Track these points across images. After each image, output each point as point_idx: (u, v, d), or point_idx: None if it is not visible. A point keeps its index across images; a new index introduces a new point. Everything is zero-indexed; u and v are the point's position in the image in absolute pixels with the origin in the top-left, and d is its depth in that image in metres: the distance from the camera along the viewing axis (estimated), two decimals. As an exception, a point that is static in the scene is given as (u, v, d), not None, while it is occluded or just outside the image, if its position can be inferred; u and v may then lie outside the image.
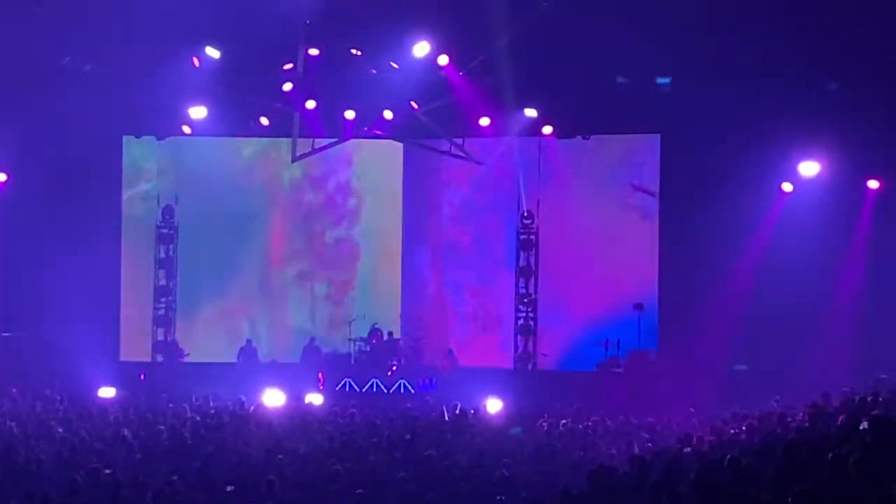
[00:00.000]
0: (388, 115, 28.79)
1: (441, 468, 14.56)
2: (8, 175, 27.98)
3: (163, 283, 29.76)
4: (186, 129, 29.11)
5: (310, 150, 29.80)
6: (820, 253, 24.68)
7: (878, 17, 22.80)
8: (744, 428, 16.83)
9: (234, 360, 28.53)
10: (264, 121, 28.96)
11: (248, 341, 28.79)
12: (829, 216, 25.21)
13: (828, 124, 24.60)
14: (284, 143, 29.65)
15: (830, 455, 11.44)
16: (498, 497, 12.94)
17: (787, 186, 26.44)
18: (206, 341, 29.30)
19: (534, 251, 29.12)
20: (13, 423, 18.37)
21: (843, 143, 24.73)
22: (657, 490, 11.65)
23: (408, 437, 17.15)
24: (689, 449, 15.01)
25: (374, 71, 26.81)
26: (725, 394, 22.78)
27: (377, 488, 13.37)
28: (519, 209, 29.18)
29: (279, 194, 30.47)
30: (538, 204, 28.94)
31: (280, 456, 15.34)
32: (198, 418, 19.18)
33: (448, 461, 14.97)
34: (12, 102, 25.58)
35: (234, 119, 28.60)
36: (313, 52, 26.87)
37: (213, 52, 26.81)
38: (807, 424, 16.53)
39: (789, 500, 9.75)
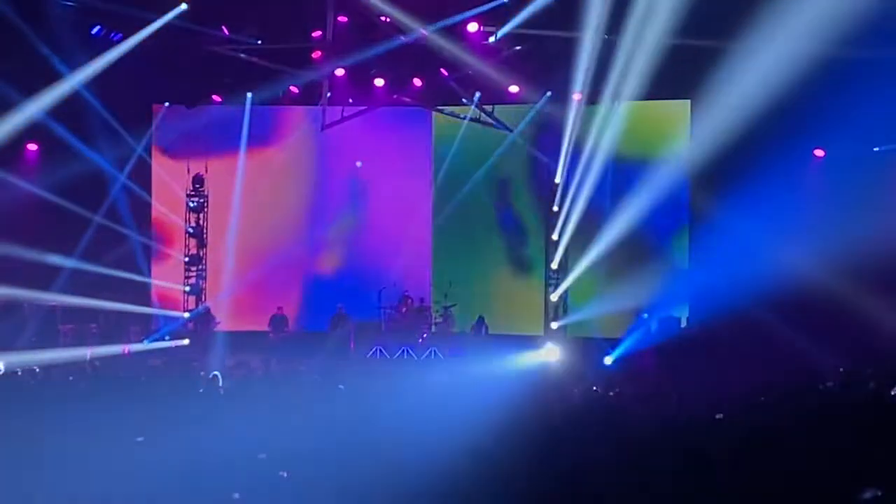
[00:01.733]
0: (417, 82, 28.79)
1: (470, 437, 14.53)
2: (38, 145, 28.15)
3: (193, 251, 29.94)
4: (216, 98, 29.22)
5: (339, 118, 29.85)
6: (852, 221, 24.38)
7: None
8: (774, 393, 16.76)
9: (265, 328, 28.69)
10: (293, 89, 29.02)
11: (280, 308, 28.91)
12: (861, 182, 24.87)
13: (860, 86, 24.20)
14: (313, 110, 29.68)
15: (867, 421, 11.40)
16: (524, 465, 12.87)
17: (819, 152, 26.25)
18: (237, 310, 29.47)
19: (563, 219, 29.06)
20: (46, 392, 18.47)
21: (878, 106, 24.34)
22: (688, 456, 11.62)
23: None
24: (720, 416, 14.94)
25: (403, 38, 26.73)
26: (756, 361, 22.64)
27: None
28: (550, 178, 29.13)
29: (308, 162, 30.50)
30: (567, 173, 28.92)
31: (313, 423, 15.34)
32: (231, 386, 19.25)
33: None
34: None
35: (264, 87, 28.62)
36: (342, 19, 26.83)
37: (242, 21, 26.86)
38: (838, 390, 16.47)
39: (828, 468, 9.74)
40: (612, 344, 26.11)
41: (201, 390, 18.28)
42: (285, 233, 29.88)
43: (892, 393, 15.05)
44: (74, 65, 25.80)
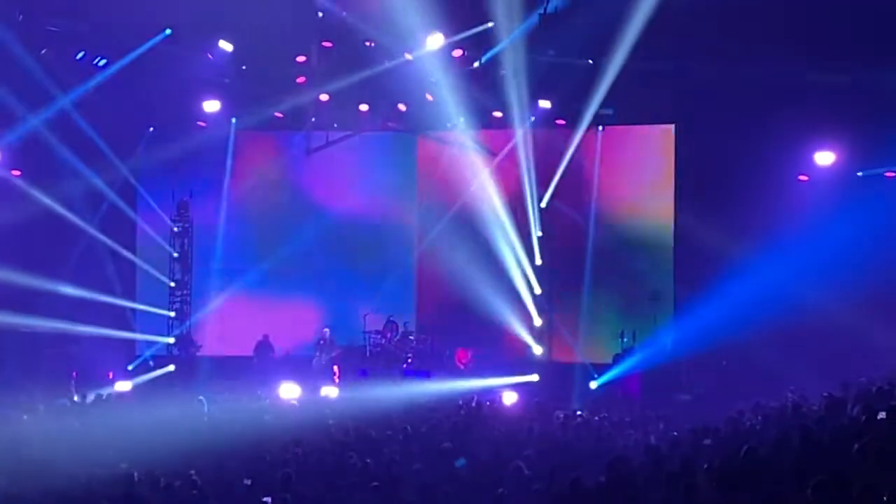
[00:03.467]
0: (402, 107, 28.80)
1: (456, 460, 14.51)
2: (21, 171, 28.07)
3: (178, 277, 29.82)
4: (201, 124, 29.18)
5: (324, 143, 29.85)
6: (837, 244, 24.43)
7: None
8: (760, 418, 16.76)
9: (250, 353, 28.59)
10: (278, 114, 29.01)
11: (265, 335, 28.80)
12: (845, 207, 24.93)
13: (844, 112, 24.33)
14: (298, 136, 29.68)
15: (851, 445, 11.39)
16: (509, 489, 12.85)
17: (803, 178, 26.32)
18: (221, 335, 29.34)
19: (547, 242, 29.04)
20: (28, 417, 18.42)
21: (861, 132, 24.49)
22: (673, 481, 11.60)
23: (423, 429, 17.13)
24: (707, 441, 14.93)
25: (387, 63, 26.77)
26: (740, 385, 22.67)
27: (393, 481, 13.33)
28: (534, 202, 29.09)
29: (293, 187, 30.45)
30: (553, 196, 28.92)
31: (296, 449, 15.33)
32: (214, 412, 19.23)
33: (464, 453, 14.92)
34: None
35: (249, 113, 28.62)
36: (327, 44, 26.88)
37: (226, 46, 26.90)
38: (823, 415, 16.47)
39: (808, 491, 9.71)
40: (598, 369, 26.09)
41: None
42: (270, 257, 29.75)
43: (878, 417, 15.04)
44: (59, 89, 25.81)
